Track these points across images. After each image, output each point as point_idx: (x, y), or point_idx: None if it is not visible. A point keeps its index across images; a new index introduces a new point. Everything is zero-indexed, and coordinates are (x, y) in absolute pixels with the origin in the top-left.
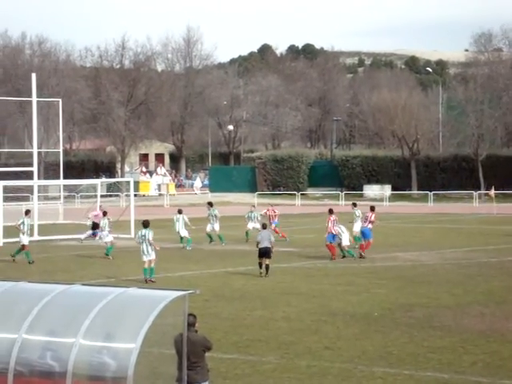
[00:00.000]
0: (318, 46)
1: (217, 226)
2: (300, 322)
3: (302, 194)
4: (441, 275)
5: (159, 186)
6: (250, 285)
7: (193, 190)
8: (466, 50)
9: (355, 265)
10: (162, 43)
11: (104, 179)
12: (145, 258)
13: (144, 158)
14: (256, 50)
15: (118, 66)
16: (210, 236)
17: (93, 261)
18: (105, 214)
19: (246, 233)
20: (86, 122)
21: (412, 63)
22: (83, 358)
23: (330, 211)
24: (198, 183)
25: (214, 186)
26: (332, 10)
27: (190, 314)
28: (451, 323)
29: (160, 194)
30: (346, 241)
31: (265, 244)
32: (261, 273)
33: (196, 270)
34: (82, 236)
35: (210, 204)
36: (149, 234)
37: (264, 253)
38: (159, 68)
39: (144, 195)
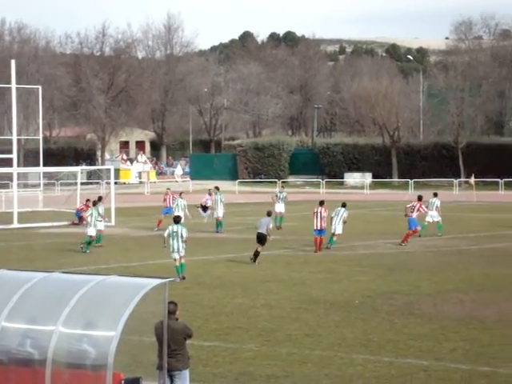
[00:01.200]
0: (299, 34)
1: (220, 212)
2: (280, 309)
3: (282, 182)
4: (421, 263)
5: (140, 173)
6: (231, 272)
7: (174, 178)
8: (447, 38)
9: (336, 252)
10: (142, 30)
11: (84, 167)
12: (176, 256)
13: (124, 145)
14: (237, 38)
15: (98, 53)
16: (220, 223)
17: (73, 248)
18: (100, 199)
19: (278, 218)
20: (66, 109)
21: (393, 51)
22: (63, 346)
23: (320, 203)
24: (178, 171)
25: (194, 174)
26: None
27: (170, 302)
28: (431, 310)
29: (141, 182)
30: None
31: (261, 230)
32: (251, 258)
33: None
34: (205, 215)
35: (217, 188)
36: (182, 230)
37: (258, 238)
38: (140, 55)
39: (125, 183)
